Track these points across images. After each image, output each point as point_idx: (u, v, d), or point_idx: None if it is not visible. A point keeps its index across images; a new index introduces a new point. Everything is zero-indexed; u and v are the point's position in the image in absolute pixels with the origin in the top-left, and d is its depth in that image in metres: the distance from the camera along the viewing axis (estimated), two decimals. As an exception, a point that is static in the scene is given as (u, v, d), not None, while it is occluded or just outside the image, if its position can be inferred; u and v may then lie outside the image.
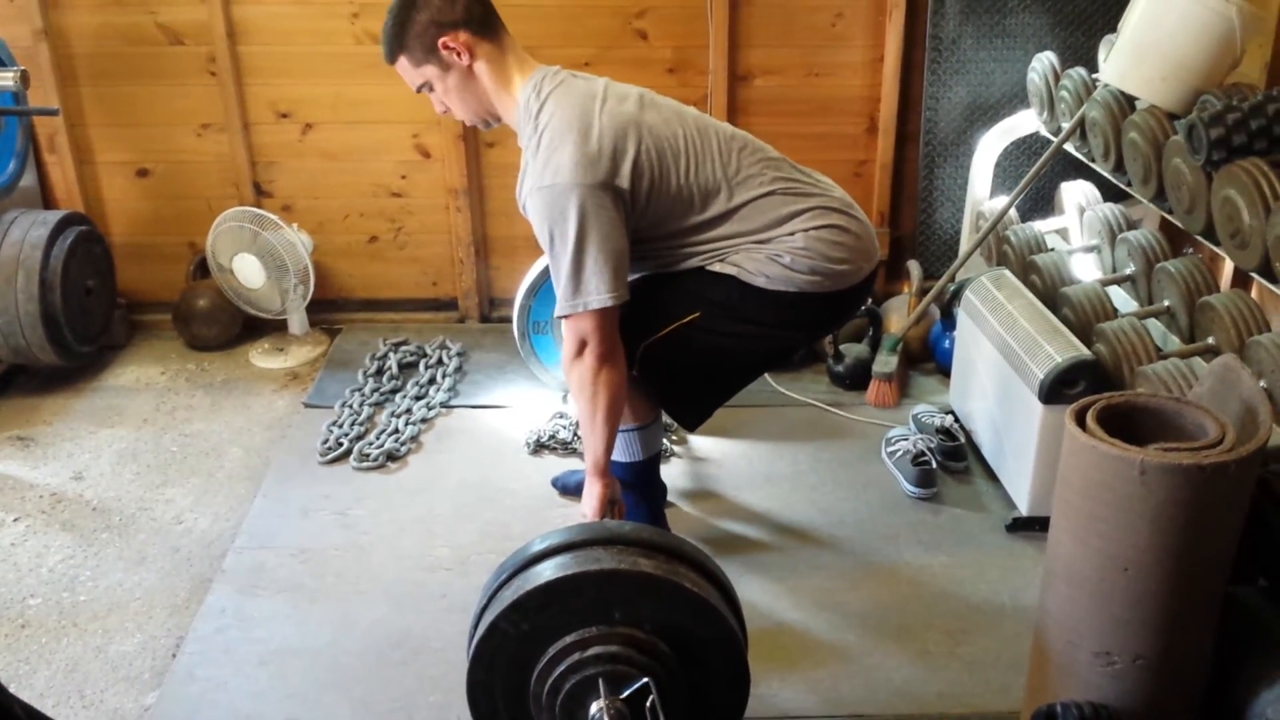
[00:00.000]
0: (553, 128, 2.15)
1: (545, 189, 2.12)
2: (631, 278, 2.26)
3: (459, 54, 2.20)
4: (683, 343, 2.30)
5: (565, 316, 2.18)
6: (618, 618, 1.76)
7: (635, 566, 1.75)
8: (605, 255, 2.12)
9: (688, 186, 2.22)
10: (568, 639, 1.76)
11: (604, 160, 2.13)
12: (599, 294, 2.13)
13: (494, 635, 1.77)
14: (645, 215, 2.22)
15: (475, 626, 1.83)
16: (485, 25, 2.23)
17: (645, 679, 1.73)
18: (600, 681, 1.73)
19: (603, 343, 2.18)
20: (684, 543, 1.88)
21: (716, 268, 2.27)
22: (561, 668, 1.75)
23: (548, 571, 1.75)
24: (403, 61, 2.25)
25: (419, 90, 2.30)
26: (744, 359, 2.43)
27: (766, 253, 2.25)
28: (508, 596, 1.76)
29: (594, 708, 1.73)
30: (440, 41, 2.19)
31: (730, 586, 1.89)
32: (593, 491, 2.31)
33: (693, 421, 2.49)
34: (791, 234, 2.25)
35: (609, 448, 2.28)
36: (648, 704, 1.72)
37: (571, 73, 2.27)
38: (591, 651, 1.74)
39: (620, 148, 2.15)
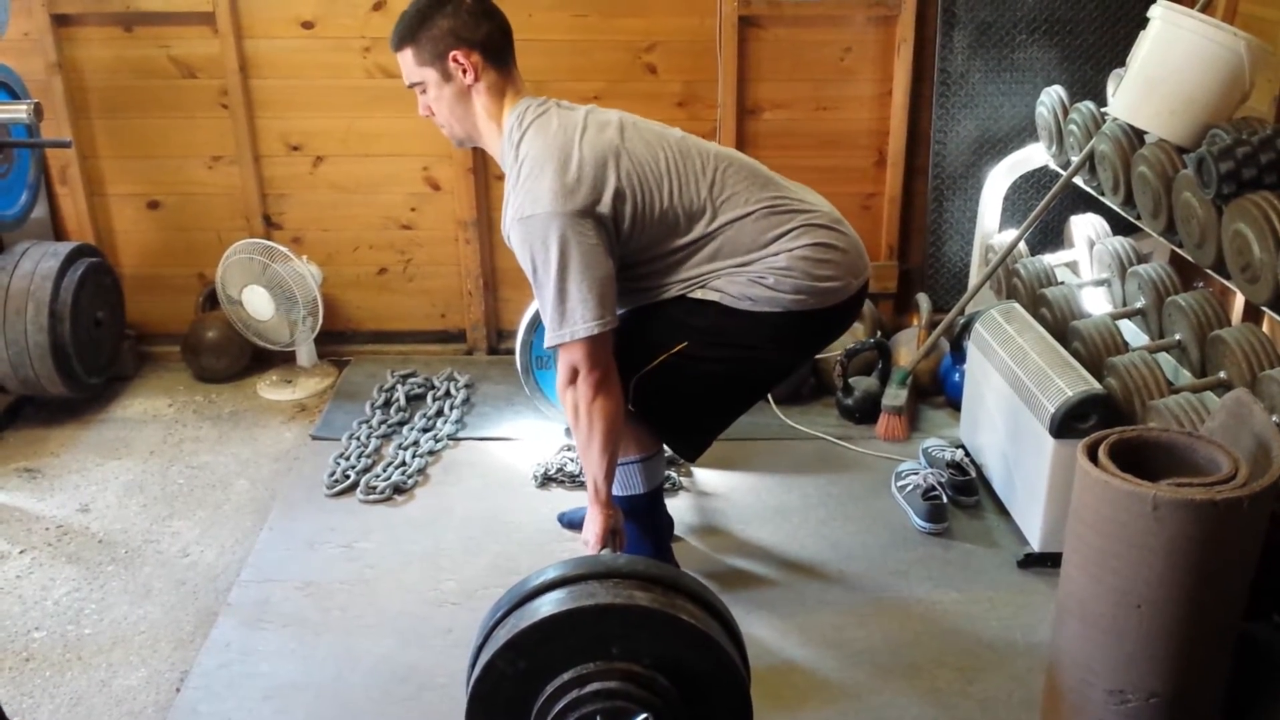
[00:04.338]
0: (532, 158, 2.16)
1: (526, 219, 2.12)
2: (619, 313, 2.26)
3: (465, 71, 2.22)
4: (674, 373, 2.29)
5: (555, 347, 2.18)
6: (615, 653, 1.74)
7: (631, 600, 1.72)
8: (590, 283, 2.11)
9: (672, 209, 2.22)
10: (565, 676, 1.73)
11: (584, 188, 2.12)
12: (585, 322, 2.12)
13: (491, 674, 1.75)
14: (631, 241, 2.21)
15: (473, 666, 1.81)
16: (499, 56, 2.25)
17: (644, 715, 1.71)
18: (600, 718, 1.71)
19: (594, 370, 2.17)
20: (682, 575, 1.86)
21: (699, 294, 2.26)
22: (560, 705, 1.73)
23: (543, 608, 1.73)
24: (408, 54, 2.24)
25: (410, 86, 2.30)
26: (738, 384, 2.41)
27: (749, 275, 2.24)
28: (503, 635, 1.74)
29: None
30: (452, 53, 2.20)
31: (731, 618, 1.87)
32: (594, 520, 2.29)
33: (692, 453, 2.47)
34: (776, 254, 2.24)
35: (609, 475, 2.26)
36: None
37: (558, 102, 2.28)
38: (590, 688, 1.72)
39: (600, 175, 2.15)
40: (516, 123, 2.22)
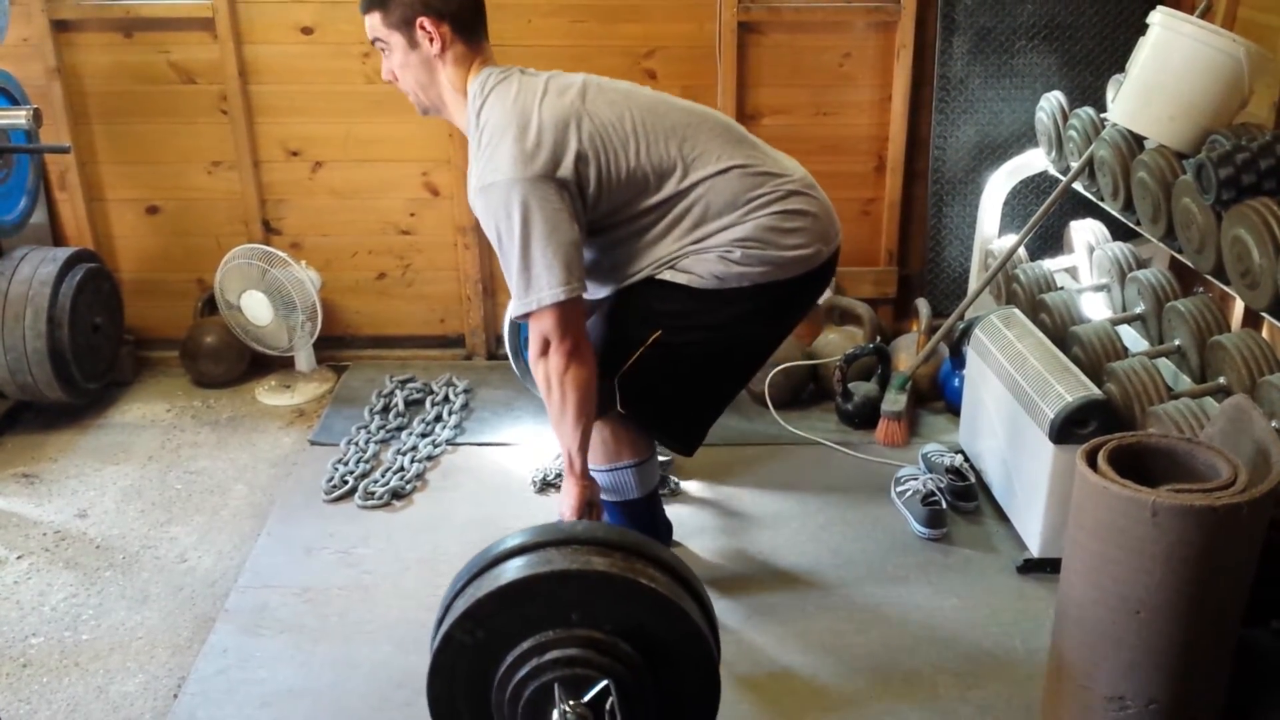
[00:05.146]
0: (492, 125, 2.13)
1: (487, 187, 2.10)
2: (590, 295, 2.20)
3: (431, 40, 2.19)
4: (655, 366, 2.27)
5: (523, 316, 2.14)
6: (575, 620, 1.71)
7: (589, 566, 1.69)
8: (554, 248, 2.08)
9: (640, 169, 2.18)
10: (525, 645, 1.70)
11: (544, 153, 2.09)
12: (551, 288, 2.08)
13: (450, 646, 1.72)
14: (600, 204, 2.18)
15: (433, 639, 1.78)
16: (468, 29, 2.22)
17: (605, 681, 1.68)
18: (560, 686, 1.68)
19: (565, 338, 2.13)
20: (645, 541, 1.82)
21: (666, 275, 2.24)
22: (521, 674, 1.70)
23: (501, 577, 1.70)
24: (375, 16, 2.22)
25: (374, 44, 2.27)
26: (720, 365, 2.37)
27: (717, 253, 2.20)
28: (461, 605, 1.71)
29: (555, 715, 1.68)
30: (419, 20, 2.18)
31: (698, 584, 1.83)
32: (569, 493, 2.25)
33: (689, 446, 2.43)
34: (745, 223, 2.20)
35: (583, 446, 2.23)
36: (607, 706, 1.67)
37: (522, 70, 2.25)
38: (549, 656, 1.69)
39: (561, 139, 2.11)
40: (479, 90, 2.19)
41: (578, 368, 2.15)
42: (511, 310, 2.16)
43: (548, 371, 2.16)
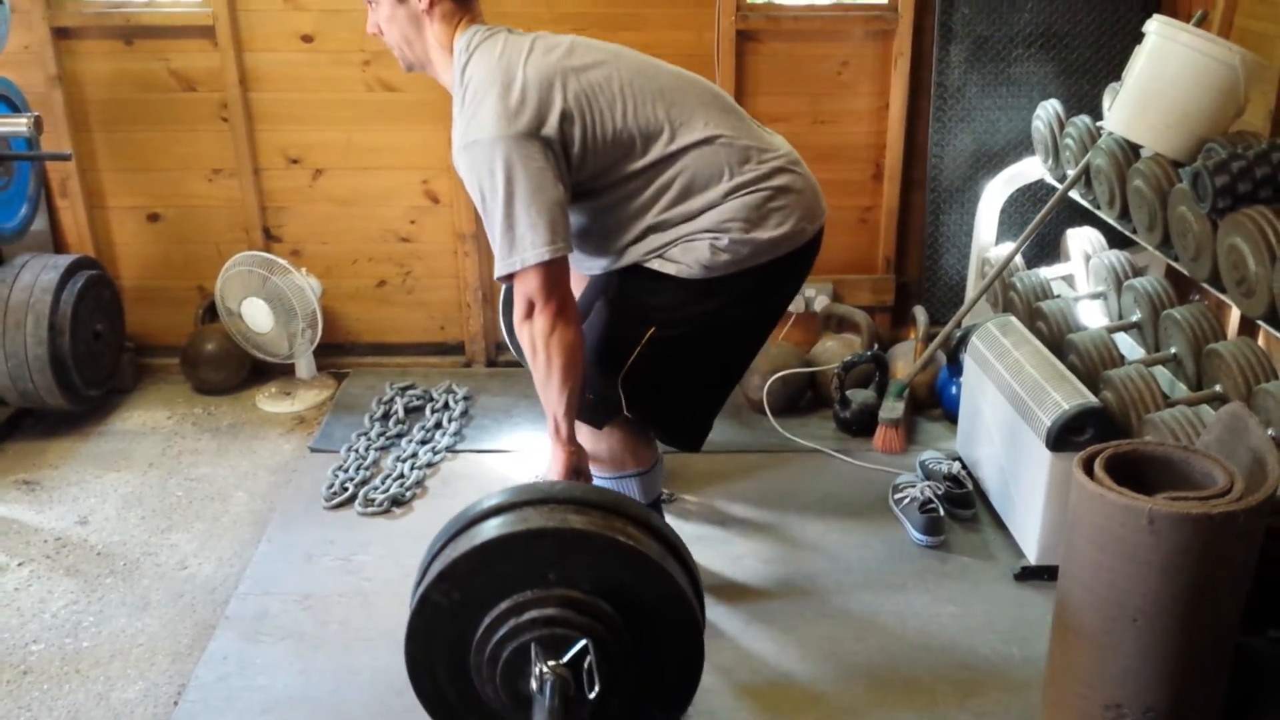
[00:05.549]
0: (476, 82, 2.10)
1: (470, 145, 2.07)
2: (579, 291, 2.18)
3: None
4: (654, 363, 2.25)
5: (506, 277, 2.10)
6: (553, 579, 1.68)
7: (566, 524, 1.66)
8: (538, 207, 2.04)
9: (627, 130, 2.14)
10: (502, 605, 1.67)
11: (528, 110, 2.06)
12: (535, 248, 2.04)
13: (426, 608, 1.69)
14: (585, 166, 2.14)
15: (411, 603, 1.76)
16: None
17: (584, 640, 1.64)
18: (538, 646, 1.65)
19: (550, 299, 2.09)
20: (624, 499, 1.79)
21: (655, 265, 2.21)
22: (498, 636, 1.67)
23: (476, 537, 1.68)
24: None
25: None
26: (717, 352, 2.35)
27: (706, 241, 2.17)
28: (437, 567, 1.69)
29: (533, 675, 1.65)
30: None
31: (680, 544, 1.79)
32: (556, 459, 2.23)
33: (695, 441, 2.42)
34: (729, 197, 2.17)
35: (569, 411, 2.19)
36: (585, 665, 1.64)
37: (509, 29, 2.22)
38: (527, 616, 1.66)
39: (545, 97, 2.08)
40: (464, 47, 2.17)
41: (564, 329, 2.11)
42: (495, 271, 2.11)
43: (532, 334, 2.12)
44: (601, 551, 1.67)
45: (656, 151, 2.17)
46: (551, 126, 2.07)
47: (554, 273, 2.08)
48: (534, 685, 1.65)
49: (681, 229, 2.20)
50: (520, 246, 2.05)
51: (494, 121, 2.04)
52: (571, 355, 2.13)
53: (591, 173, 2.16)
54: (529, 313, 2.11)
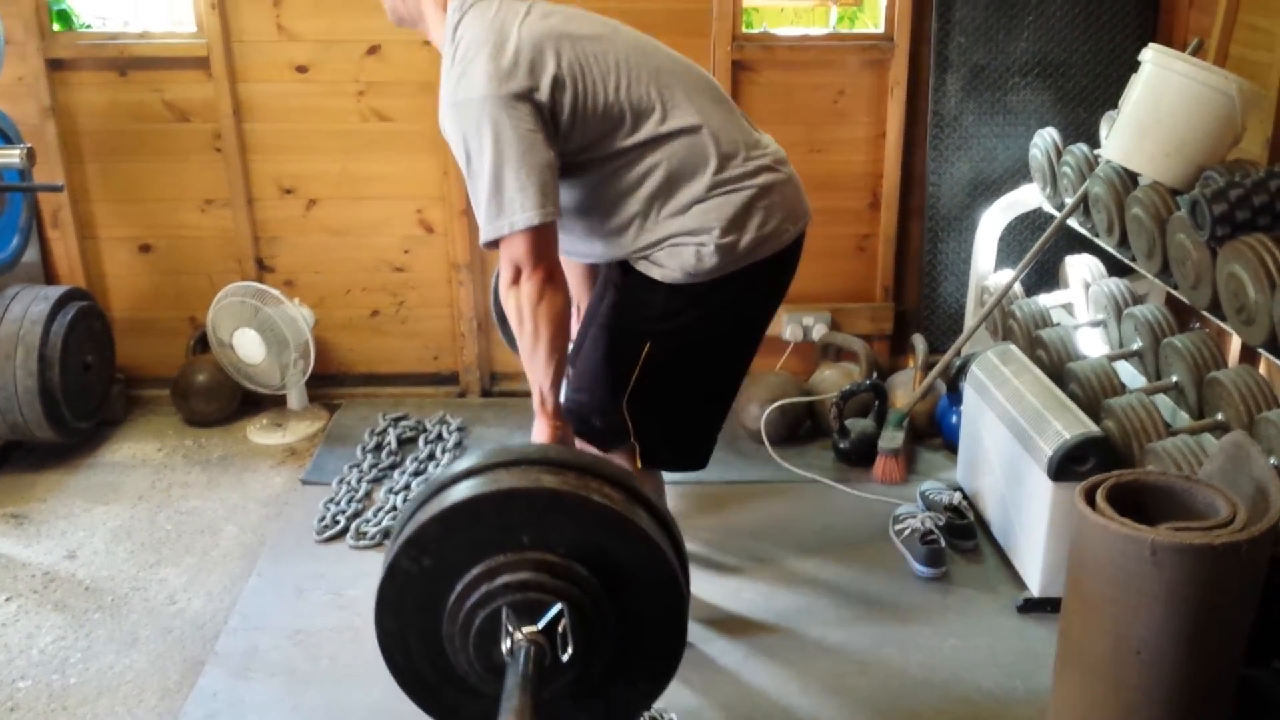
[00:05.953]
0: (468, 41, 2.04)
1: (458, 104, 2.01)
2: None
3: None
4: (655, 382, 2.21)
5: (492, 242, 2.02)
6: (526, 542, 1.60)
7: (538, 484, 1.59)
8: (527, 170, 1.96)
9: (619, 104, 2.07)
10: (474, 571, 1.60)
11: (520, 72, 1.99)
12: (524, 211, 1.96)
13: (396, 576, 1.62)
14: (572, 137, 2.07)
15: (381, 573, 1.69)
16: None
17: (559, 605, 1.58)
18: (510, 612, 1.58)
19: (538, 266, 2.01)
20: (600, 459, 1.73)
21: (642, 268, 2.16)
22: (470, 602, 1.60)
23: (446, 499, 1.61)
24: None
25: None
26: (713, 361, 2.30)
27: (693, 245, 2.12)
28: (406, 533, 1.62)
29: (506, 642, 1.58)
30: None
31: (661, 506, 1.73)
32: (540, 432, 2.16)
33: (701, 460, 2.38)
34: (713, 194, 2.12)
35: (555, 383, 2.12)
36: (559, 629, 1.58)
37: None
38: (500, 581, 1.59)
39: (538, 60, 2.01)
40: (459, 5, 2.11)
41: (551, 297, 2.04)
42: (481, 236, 2.04)
43: (519, 302, 2.04)
44: (576, 512, 1.60)
45: (646, 131, 2.11)
46: (544, 92, 2.02)
47: (543, 238, 2.01)
48: (506, 652, 1.58)
49: (669, 226, 2.14)
50: (509, 210, 1.98)
51: (484, 81, 1.98)
52: (559, 324, 2.07)
53: (578, 145, 2.10)
54: (515, 279, 2.04)
